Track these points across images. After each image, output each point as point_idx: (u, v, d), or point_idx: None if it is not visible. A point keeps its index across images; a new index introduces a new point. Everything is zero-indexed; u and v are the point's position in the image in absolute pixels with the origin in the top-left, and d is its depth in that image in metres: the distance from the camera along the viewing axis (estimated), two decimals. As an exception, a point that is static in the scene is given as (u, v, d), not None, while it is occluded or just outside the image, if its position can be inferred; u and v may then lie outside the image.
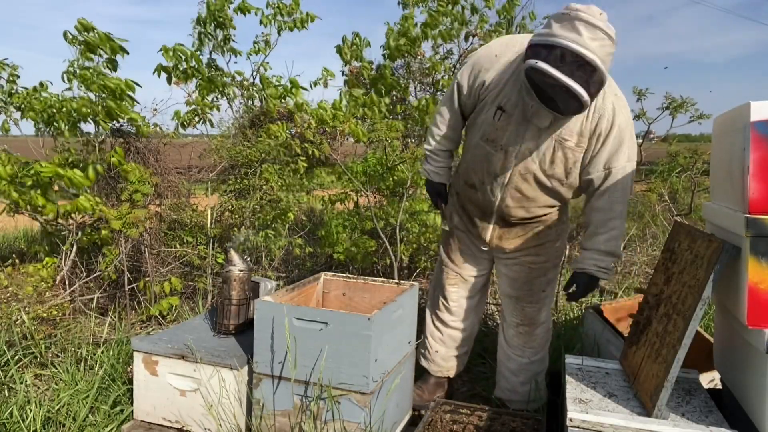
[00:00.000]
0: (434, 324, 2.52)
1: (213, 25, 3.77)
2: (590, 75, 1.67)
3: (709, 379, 2.19)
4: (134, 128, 3.41)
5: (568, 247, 4.16)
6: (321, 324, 1.83)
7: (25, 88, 3.33)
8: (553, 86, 1.70)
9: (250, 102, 4.14)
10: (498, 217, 2.24)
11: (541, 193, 2.11)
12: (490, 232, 2.28)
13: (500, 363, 2.47)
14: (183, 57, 3.57)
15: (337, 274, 2.38)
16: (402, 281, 2.30)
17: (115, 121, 3.34)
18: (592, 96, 1.72)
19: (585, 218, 2.13)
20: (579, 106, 1.74)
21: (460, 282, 2.45)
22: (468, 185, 2.26)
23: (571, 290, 2.13)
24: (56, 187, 3.09)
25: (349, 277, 2.36)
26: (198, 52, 3.74)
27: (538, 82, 1.74)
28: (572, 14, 1.67)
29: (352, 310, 2.28)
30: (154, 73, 3.61)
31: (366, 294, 2.32)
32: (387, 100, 3.74)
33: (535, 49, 1.71)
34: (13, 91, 3.35)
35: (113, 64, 3.25)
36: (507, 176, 2.09)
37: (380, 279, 2.34)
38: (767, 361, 1.41)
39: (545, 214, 2.22)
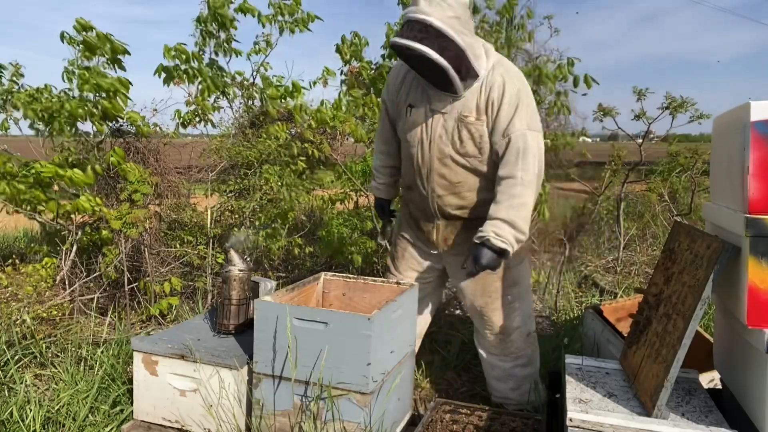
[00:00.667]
0: None
1: (215, 24, 3.76)
2: (435, 36, 1.84)
3: (709, 379, 2.19)
4: (134, 128, 3.41)
5: (567, 247, 4.16)
6: (321, 324, 1.83)
7: (29, 86, 3.33)
8: (411, 57, 1.89)
9: (250, 102, 4.14)
10: (438, 213, 2.25)
11: (465, 174, 2.14)
12: (435, 233, 2.30)
13: (486, 372, 2.44)
14: (184, 57, 3.57)
15: (337, 274, 2.38)
16: (402, 281, 2.30)
17: (114, 121, 3.33)
18: (450, 58, 1.87)
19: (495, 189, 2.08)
20: (443, 72, 1.90)
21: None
22: (407, 188, 2.35)
23: (465, 265, 2.04)
24: (56, 187, 3.09)
25: (349, 277, 2.36)
26: (200, 52, 3.74)
27: (406, 60, 1.95)
28: None
29: (352, 310, 2.28)
30: (155, 74, 3.61)
31: (366, 294, 2.32)
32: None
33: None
34: (15, 90, 3.34)
35: (119, 64, 3.26)
36: (428, 166, 2.16)
37: (380, 279, 2.34)
38: (767, 361, 1.41)
39: (484, 208, 2.09)
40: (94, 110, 3.09)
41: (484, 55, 2.05)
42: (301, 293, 2.22)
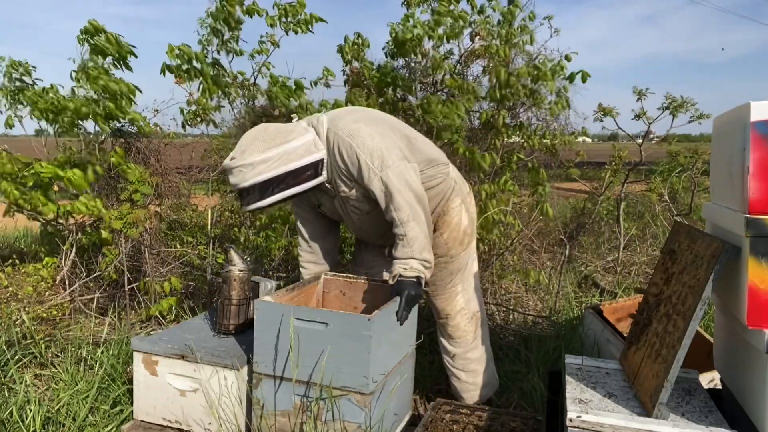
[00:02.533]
0: None
1: (224, 23, 3.78)
2: (259, 189, 2.03)
3: (709, 379, 2.19)
4: (135, 128, 3.41)
5: (567, 247, 4.17)
6: (321, 324, 1.83)
7: (40, 79, 3.35)
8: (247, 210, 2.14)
9: (251, 102, 4.14)
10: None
11: (382, 225, 2.19)
12: (387, 250, 2.39)
13: (446, 366, 2.52)
14: (187, 57, 3.58)
15: (337, 274, 2.38)
16: None
17: (116, 122, 3.34)
18: (288, 184, 2.05)
19: None
20: (296, 194, 2.10)
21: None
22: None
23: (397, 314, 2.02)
24: (56, 187, 3.09)
25: (350, 277, 2.36)
26: (205, 51, 3.75)
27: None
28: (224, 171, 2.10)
29: (352, 310, 2.28)
30: (161, 73, 3.62)
31: (366, 294, 2.32)
32: (392, 97, 3.73)
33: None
34: (24, 88, 3.35)
35: (125, 64, 3.27)
36: (360, 233, 2.39)
37: (380, 279, 2.34)
38: (767, 361, 1.41)
39: None
40: (98, 109, 3.10)
41: (314, 141, 2.09)
42: (302, 293, 2.22)
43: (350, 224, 2.33)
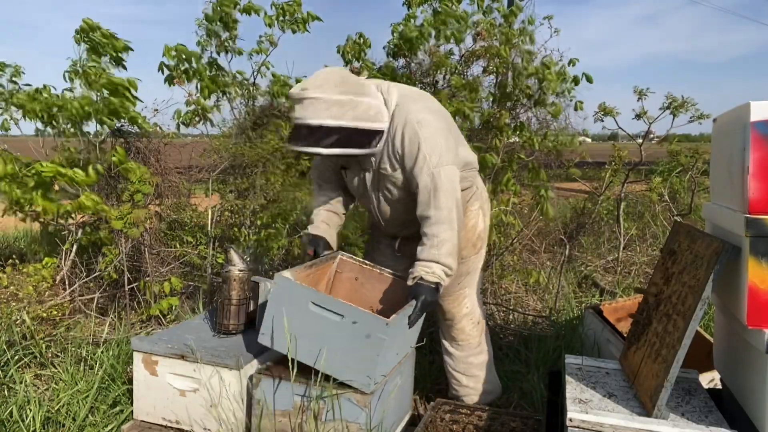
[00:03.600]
0: None
1: (220, 23, 3.79)
2: (318, 133, 1.94)
3: (709, 379, 2.19)
4: (135, 128, 3.41)
5: (567, 247, 4.16)
6: (337, 316, 1.80)
7: (29, 85, 3.34)
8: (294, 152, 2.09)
9: (251, 102, 4.14)
10: (395, 235, 2.40)
11: (405, 214, 2.20)
12: (397, 243, 2.41)
13: (446, 365, 2.50)
14: (184, 57, 3.59)
15: (354, 257, 2.34)
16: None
17: (117, 120, 3.34)
18: (341, 142, 1.97)
19: None
20: (346, 155, 2.04)
21: None
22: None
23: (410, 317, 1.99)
24: (57, 187, 3.09)
25: (365, 264, 2.31)
26: (203, 52, 3.76)
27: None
28: (290, 98, 2.01)
29: (361, 297, 2.25)
30: (158, 71, 3.63)
31: (378, 284, 2.28)
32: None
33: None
34: (15, 90, 3.35)
35: (120, 62, 3.27)
36: (377, 214, 2.29)
37: (398, 274, 2.27)
38: (767, 361, 1.41)
39: None
40: (101, 108, 3.10)
41: (382, 109, 2.06)
42: (318, 270, 2.20)
43: (369, 201, 2.26)
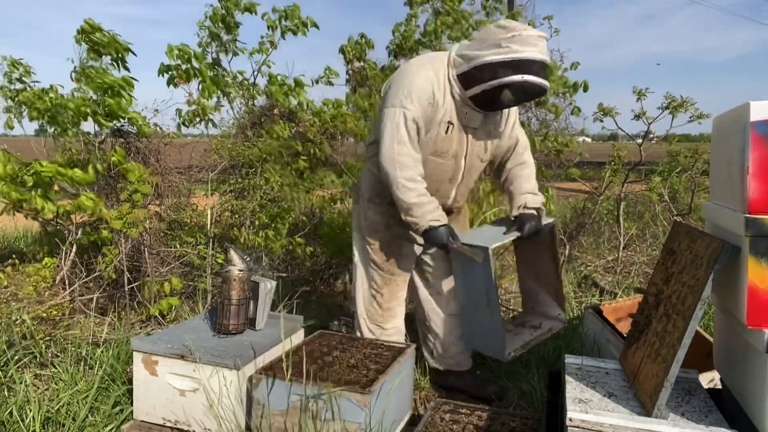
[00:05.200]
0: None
1: (222, 24, 3.81)
2: (545, 71, 2.09)
3: (709, 379, 2.19)
4: (135, 128, 3.41)
5: (567, 246, 4.16)
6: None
7: (36, 82, 3.34)
8: (525, 90, 2.11)
9: (250, 102, 4.14)
10: (448, 212, 2.49)
11: (476, 176, 2.51)
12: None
13: (445, 336, 2.61)
14: (186, 57, 3.59)
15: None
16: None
17: (116, 121, 3.34)
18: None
19: (505, 177, 2.48)
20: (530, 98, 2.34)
21: (402, 282, 2.56)
22: None
23: (526, 229, 2.29)
24: (56, 187, 3.09)
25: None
26: (203, 52, 3.76)
27: (515, 90, 2.10)
28: (524, 34, 2.04)
29: None
30: (159, 74, 3.62)
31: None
32: None
33: (496, 68, 2.06)
34: (22, 89, 3.34)
35: (123, 64, 3.27)
36: (459, 177, 2.39)
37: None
38: (767, 361, 1.41)
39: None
40: (97, 108, 3.09)
41: None
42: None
43: (458, 164, 2.35)
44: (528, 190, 2.38)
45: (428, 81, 2.20)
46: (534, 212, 2.33)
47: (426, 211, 2.21)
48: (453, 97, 2.22)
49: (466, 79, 2.15)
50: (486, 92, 2.12)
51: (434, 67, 2.23)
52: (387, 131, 2.19)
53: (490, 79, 2.07)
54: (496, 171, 2.57)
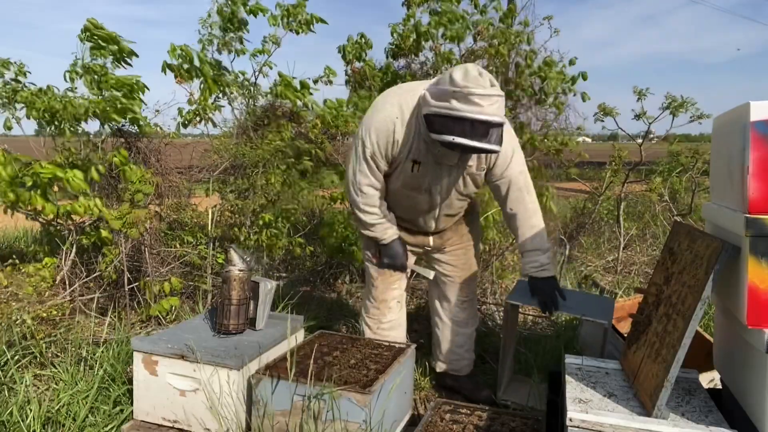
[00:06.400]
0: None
1: (229, 23, 3.82)
2: (497, 131, 1.95)
3: (709, 379, 2.19)
4: (136, 128, 3.41)
5: (567, 247, 4.16)
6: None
7: (33, 83, 3.34)
8: (468, 149, 1.97)
9: (251, 102, 4.14)
10: (433, 234, 2.55)
11: (460, 204, 2.44)
12: (430, 240, 2.56)
13: (446, 341, 2.65)
14: (188, 57, 3.60)
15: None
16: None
17: (123, 120, 3.35)
18: (499, 142, 1.98)
19: (507, 223, 2.40)
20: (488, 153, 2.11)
21: (396, 273, 2.56)
22: (397, 218, 2.45)
23: (549, 310, 2.30)
24: (56, 188, 3.09)
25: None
26: (205, 51, 3.77)
27: (450, 149, 2.01)
28: (465, 91, 1.88)
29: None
30: (162, 71, 3.63)
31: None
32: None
33: (440, 121, 1.94)
34: (19, 89, 3.34)
35: (126, 62, 3.28)
36: (437, 210, 2.39)
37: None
38: (767, 361, 1.41)
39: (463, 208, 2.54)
40: (108, 107, 3.11)
41: None
42: None
43: (433, 197, 2.32)
44: (533, 247, 2.29)
45: (389, 120, 2.14)
46: (545, 280, 2.29)
47: (386, 227, 2.36)
48: (421, 135, 2.12)
49: (426, 121, 2.03)
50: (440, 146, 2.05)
51: (402, 103, 2.15)
52: (351, 160, 2.30)
53: (433, 131, 1.97)
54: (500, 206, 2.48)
